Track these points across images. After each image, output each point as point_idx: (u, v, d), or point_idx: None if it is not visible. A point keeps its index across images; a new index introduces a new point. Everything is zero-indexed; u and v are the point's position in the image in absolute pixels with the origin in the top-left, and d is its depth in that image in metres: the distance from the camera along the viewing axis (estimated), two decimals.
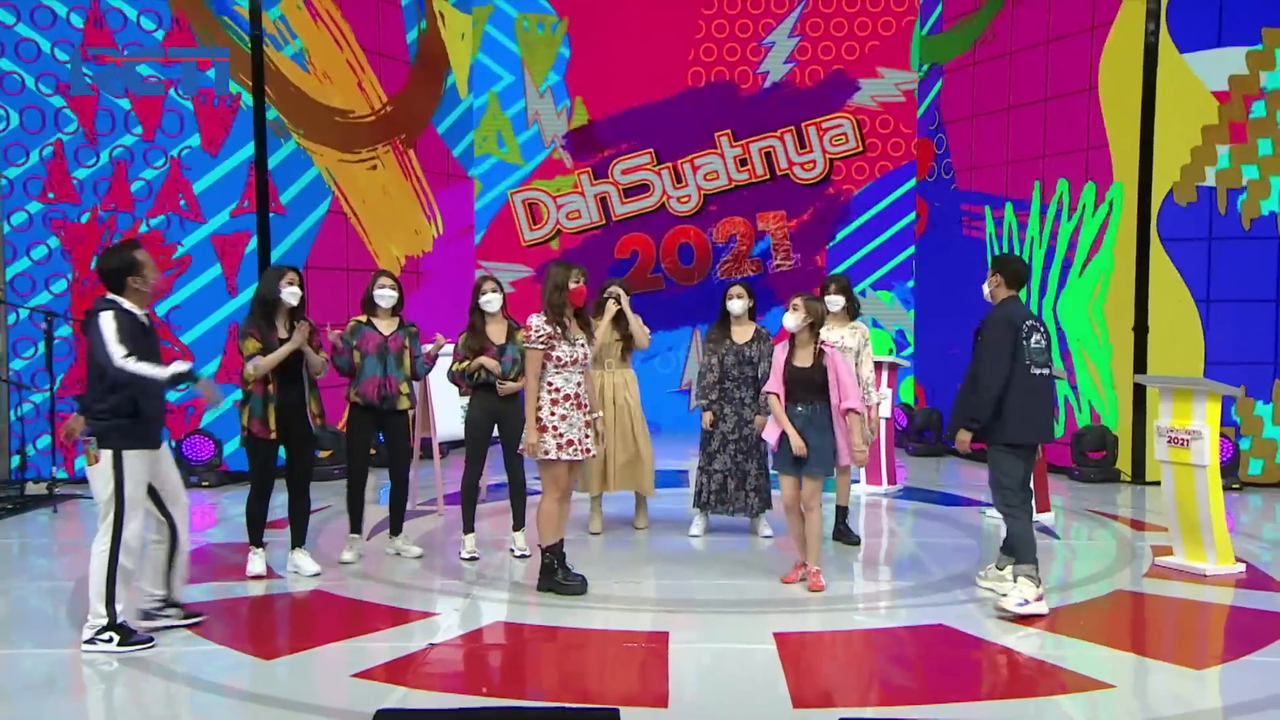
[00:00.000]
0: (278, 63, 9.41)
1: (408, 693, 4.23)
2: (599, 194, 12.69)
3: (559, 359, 5.50)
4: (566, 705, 4.07)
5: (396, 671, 4.48)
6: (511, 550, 6.49)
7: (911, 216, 12.30)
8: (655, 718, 3.95)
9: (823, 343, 5.80)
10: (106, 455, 4.69)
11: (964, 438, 5.49)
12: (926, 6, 11.98)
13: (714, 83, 12.53)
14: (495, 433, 6.40)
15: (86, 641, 4.71)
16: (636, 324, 6.87)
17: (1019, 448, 5.40)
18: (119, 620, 4.73)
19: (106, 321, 4.65)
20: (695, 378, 6.10)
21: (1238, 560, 6.16)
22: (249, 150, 9.21)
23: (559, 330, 5.51)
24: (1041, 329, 5.49)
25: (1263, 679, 4.42)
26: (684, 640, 4.87)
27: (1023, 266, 5.84)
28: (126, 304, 4.79)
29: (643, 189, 12.71)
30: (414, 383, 6.39)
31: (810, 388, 5.65)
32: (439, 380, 6.86)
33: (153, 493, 4.94)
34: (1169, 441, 6.17)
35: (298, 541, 6.03)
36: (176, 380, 4.74)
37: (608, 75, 12.48)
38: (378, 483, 7.07)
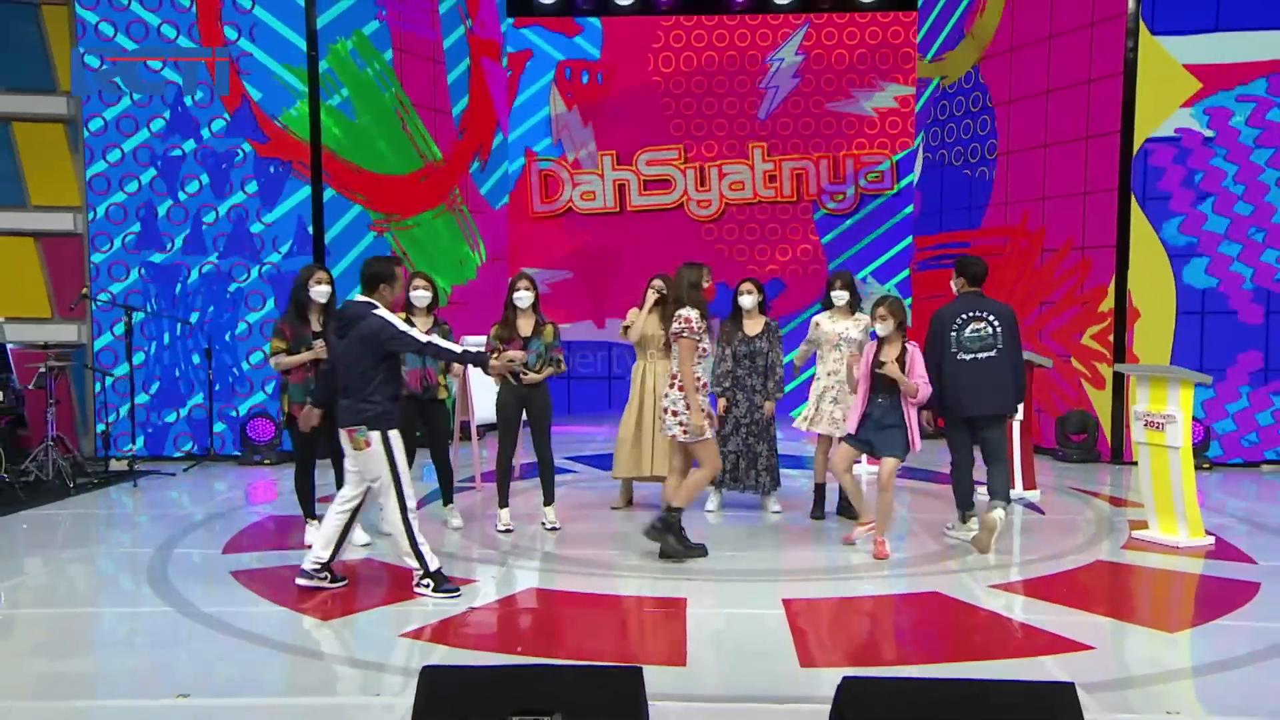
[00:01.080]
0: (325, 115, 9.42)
1: (449, 651, 4.27)
2: (618, 180, 12.15)
3: (703, 350, 5.68)
4: (594, 663, 4.09)
5: (440, 632, 4.53)
6: (543, 524, 6.52)
7: (909, 209, 12.16)
8: (674, 675, 3.97)
9: (908, 342, 5.87)
10: (376, 438, 4.92)
11: (926, 414, 6.11)
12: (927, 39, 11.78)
13: (743, 91, 12.25)
14: (524, 416, 6.43)
15: (415, 585, 5.04)
16: None
17: (952, 420, 6.10)
18: (432, 568, 5.03)
19: (386, 316, 4.97)
20: (710, 367, 6.03)
21: (1208, 533, 6.13)
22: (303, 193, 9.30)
23: (704, 325, 5.66)
24: (986, 318, 5.95)
25: (1229, 641, 4.42)
26: (700, 606, 4.89)
27: (981, 268, 6.17)
28: (381, 309, 5.02)
29: (664, 184, 12.22)
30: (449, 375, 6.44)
31: (889, 382, 5.71)
32: (476, 369, 6.87)
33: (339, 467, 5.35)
34: (1145, 425, 6.14)
35: (309, 514, 6.11)
36: (469, 357, 5.11)
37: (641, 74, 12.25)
38: (420, 464, 7.11)
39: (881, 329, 5.88)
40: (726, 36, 12.33)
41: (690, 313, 5.60)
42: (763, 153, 12.22)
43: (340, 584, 5.17)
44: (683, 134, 12.30)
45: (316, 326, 5.87)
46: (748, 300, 6.73)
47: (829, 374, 6.64)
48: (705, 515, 6.84)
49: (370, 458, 4.96)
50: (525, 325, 6.35)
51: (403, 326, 4.99)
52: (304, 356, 5.79)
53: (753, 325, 6.75)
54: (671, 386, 5.68)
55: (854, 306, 6.77)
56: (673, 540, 5.65)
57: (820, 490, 6.93)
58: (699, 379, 5.65)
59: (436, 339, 5.12)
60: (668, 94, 12.32)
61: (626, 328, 6.88)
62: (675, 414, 5.65)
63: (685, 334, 5.58)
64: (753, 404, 6.74)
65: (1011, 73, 10.13)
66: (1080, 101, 9.35)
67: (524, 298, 6.33)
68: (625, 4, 11.93)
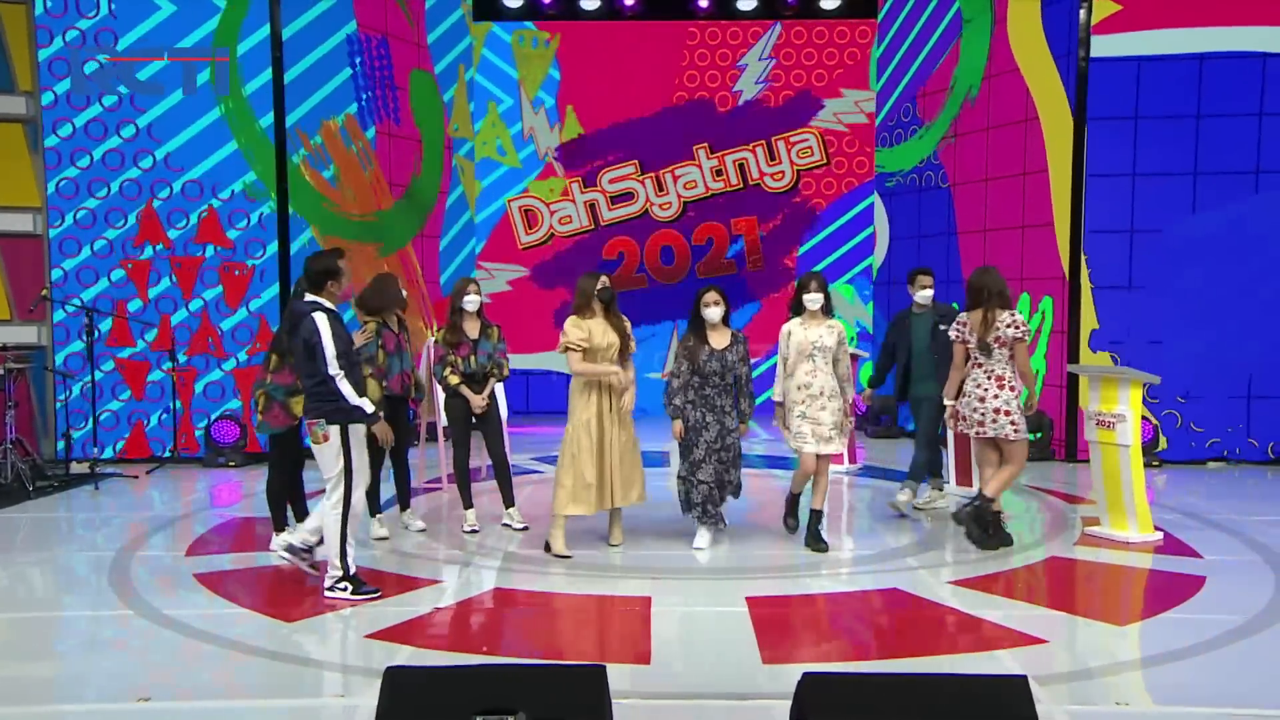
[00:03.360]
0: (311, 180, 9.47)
1: (415, 651, 4.24)
2: (588, 200, 12.68)
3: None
4: (557, 662, 4.09)
5: (405, 633, 4.49)
6: (507, 524, 6.50)
7: (870, 230, 12.32)
8: (639, 673, 3.98)
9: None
10: (335, 432, 4.85)
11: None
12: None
13: (694, 100, 12.50)
14: (473, 419, 6.42)
15: (327, 589, 4.97)
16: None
17: None
18: (351, 572, 4.98)
19: (323, 327, 4.83)
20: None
21: (1156, 529, 6.24)
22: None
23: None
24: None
25: (1178, 633, 4.49)
26: (664, 604, 4.89)
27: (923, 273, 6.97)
28: (327, 303, 4.95)
29: (628, 197, 12.71)
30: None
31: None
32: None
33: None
34: (1097, 424, 6.24)
35: (300, 516, 6.05)
36: (358, 413, 4.89)
37: (597, 93, 12.45)
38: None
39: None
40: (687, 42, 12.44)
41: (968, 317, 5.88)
42: (706, 151, 12.65)
43: (374, 593, 5.03)
44: (637, 151, 12.67)
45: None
46: (714, 313, 5.88)
47: (799, 388, 5.93)
48: (694, 554, 5.91)
49: (326, 452, 4.91)
50: (472, 328, 6.39)
51: (328, 348, 4.79)
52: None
53: (719, 338, 5.90)
54: (1003, 388, 5.80)
55: (828, 310, 6.06)
56: (976, 529, 5.89)
57: (794, 500, 6.37)
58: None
59: (340, 379, 4.81)
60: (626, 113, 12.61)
61: (572, 347, 5.78)
62: (1008, 414, 5.77)
63: (1026, 337, 5.81)
64: (724, 427, 5.87)
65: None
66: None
67: (472, 301, 6.37)
68: (591, 9, 11.92)
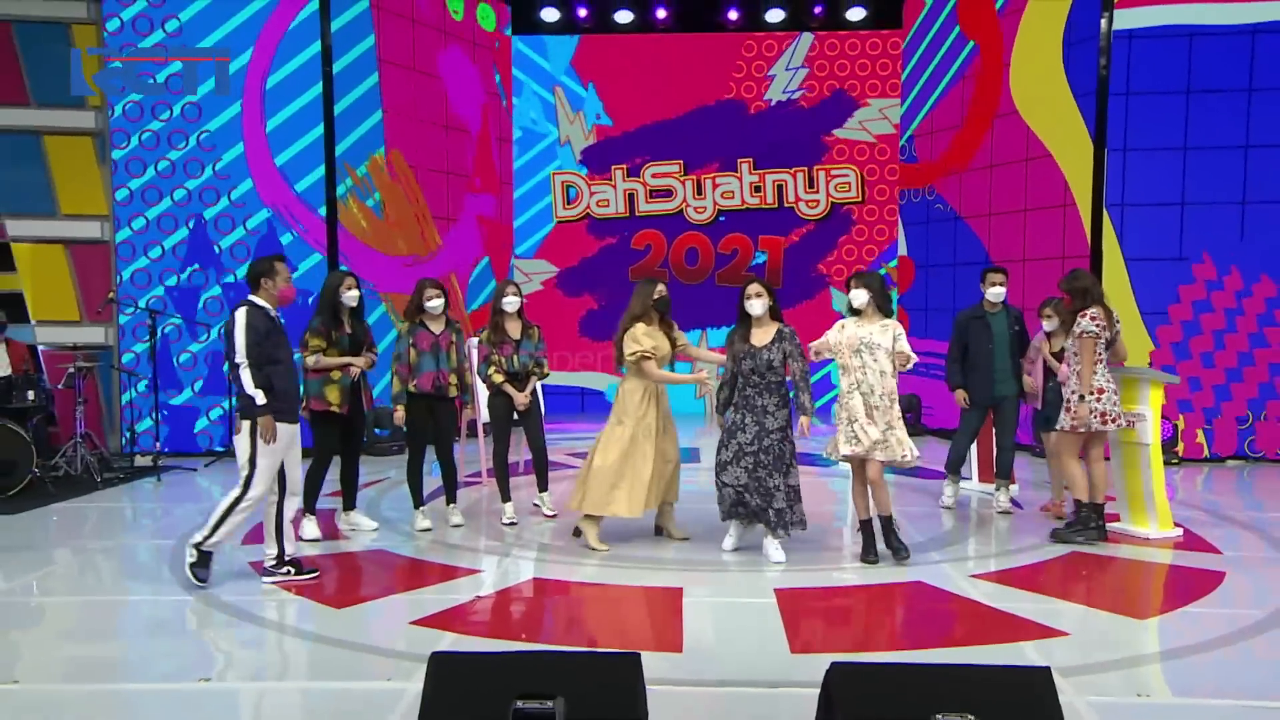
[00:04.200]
0: (358, 210, 9.62)
1: (457, 638, 4.27)
2: (628, 190, 12.63)
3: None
4: (594, 649, 4.09)
5: (448, 620, 4.52)
6: (536, 505, 6.59)
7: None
8: (671, 661, 3.97)
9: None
10: (246, 427, 4.89)
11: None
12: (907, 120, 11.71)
13: (726, 102, 12.44)
14: (515, 415, 6.50)
15: (265, 572, 5.08)
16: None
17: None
18: (287, 556, 5.07)
19: (239, 320, 4.89)
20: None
21: (1176, 525, 6.13)
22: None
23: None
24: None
25: (1196, 627, 4.42)
26: (696, 595, 4.89)
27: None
28: (260, 301, 4.99)
29: (667, 193, 12.63)
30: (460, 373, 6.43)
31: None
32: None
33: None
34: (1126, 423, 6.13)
35: (350, 505, 6.12)
36: (254, 405, 4.89)
37: (629, 97, 12.44)
38: (429, 460, 7.10)
39: (1049, 325, 6.51)
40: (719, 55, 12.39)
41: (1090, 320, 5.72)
42: (750, 166, 12.56)
43: (311, 575, 5.09)
44: (682, 151, 12.61)
45: (348, 328, 5.97)
46: (756, 306, 5.46)
47: (850, 388, 5.43)
48: (721, 556, 5.67)
49: (239, 442, 4.96)
50: (514, 329, 6.40)
51: (239, 338, 4.84)
52: (341, 361, 5.89)
53: (762, 335, 5.47)
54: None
55: (883, 310, 5.47)
56: (1094, 531, 5.86)
57: (868, 526, 5.59)
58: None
59: (244, 368, 4.85)
60: (668, 116, 12.57)
61: (647, 355, 5.64)
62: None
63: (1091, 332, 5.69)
64: (763, 428, 5.40)
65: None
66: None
67: (511, 303, 6.38)
68: (624, 22, 11.95)
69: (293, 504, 5.19)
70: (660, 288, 5.83)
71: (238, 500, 4.94)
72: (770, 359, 5.40)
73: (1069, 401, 5.83)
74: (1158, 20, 8.66)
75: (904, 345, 5.39)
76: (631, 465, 5.62)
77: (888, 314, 5.49)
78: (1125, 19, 8.66)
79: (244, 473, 4.93)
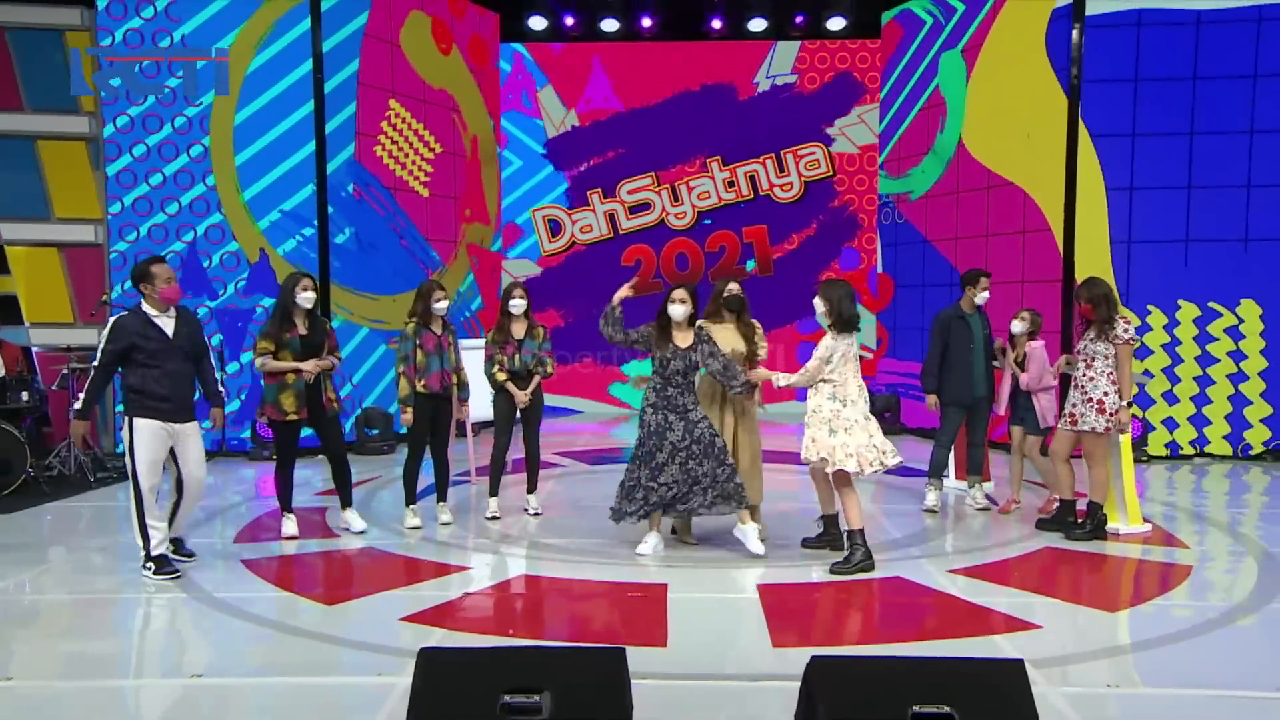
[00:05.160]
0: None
1: (446, 633, 4.26)
2: (607, 211, 12.67)
3: None
4: (580, 644, 4.09)
5: (437, 616, 4.51)
6: (525, 509, 6.57)
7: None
8: (656, 655, 3.97)
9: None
10: (126, 423, 5.03)
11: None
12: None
13: (711, 87, 12.44)
14: (518, 415, 6.48)
15: (143, 568, 5.10)
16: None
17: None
18: (153, 554, 5.06)
19: (108, 325, 5.04)
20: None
21: (1145, 520, 6.18)
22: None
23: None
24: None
25: (1165, 619, 4.47)
26: (680, 591, 4.89)
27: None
28: (145, 305, 5.03)
29: (645, 207, 12.68)
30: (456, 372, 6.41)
31: None
32: (474, 369, 6.81)
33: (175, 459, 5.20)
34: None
35: (346, 503, 6.09)
36: (79, 411, 5.19)
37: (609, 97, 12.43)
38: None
39: (1017, 327, 6.56)
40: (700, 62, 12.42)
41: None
42: (719, 164, 12.63)
43: (171, 575, 5.07)
44: (653, 162, 12.64)
45: (302, 330, 5.81)
46: (678, 311, 5.38)
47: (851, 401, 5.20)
48: (637, 557, 5.51)
49: (123, 441, 5.07)
50: (519, 329, 6.39)
51: (101, 340, 5.00)
52: (289, 366, 5.74)
53: (683, 337, 5.41)
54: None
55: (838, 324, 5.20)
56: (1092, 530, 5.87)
57: (832, 521, 5.69)
58: None
59: (96, 369, 5.04)
60: (640, 125, 12.58)
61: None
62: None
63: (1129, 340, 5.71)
64: (689, 422, 5.34)
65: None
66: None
67: (518, 305, 6.37)
68: (611, 31, 11.96)
69: (189, 504, 5.22)
70: (732, 286, 5.77)
71: (136, 498, 5.01)
72: (695, 360, 5.38)
73: (1099, 403, 5.73)
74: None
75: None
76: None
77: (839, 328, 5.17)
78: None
79: (129, 469, 5.01)
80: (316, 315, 5.93)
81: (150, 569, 5.04)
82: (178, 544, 5.38)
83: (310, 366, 5.77)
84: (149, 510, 5.02)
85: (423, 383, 6.06)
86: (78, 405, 5.15)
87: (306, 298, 5.80)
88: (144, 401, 5.00)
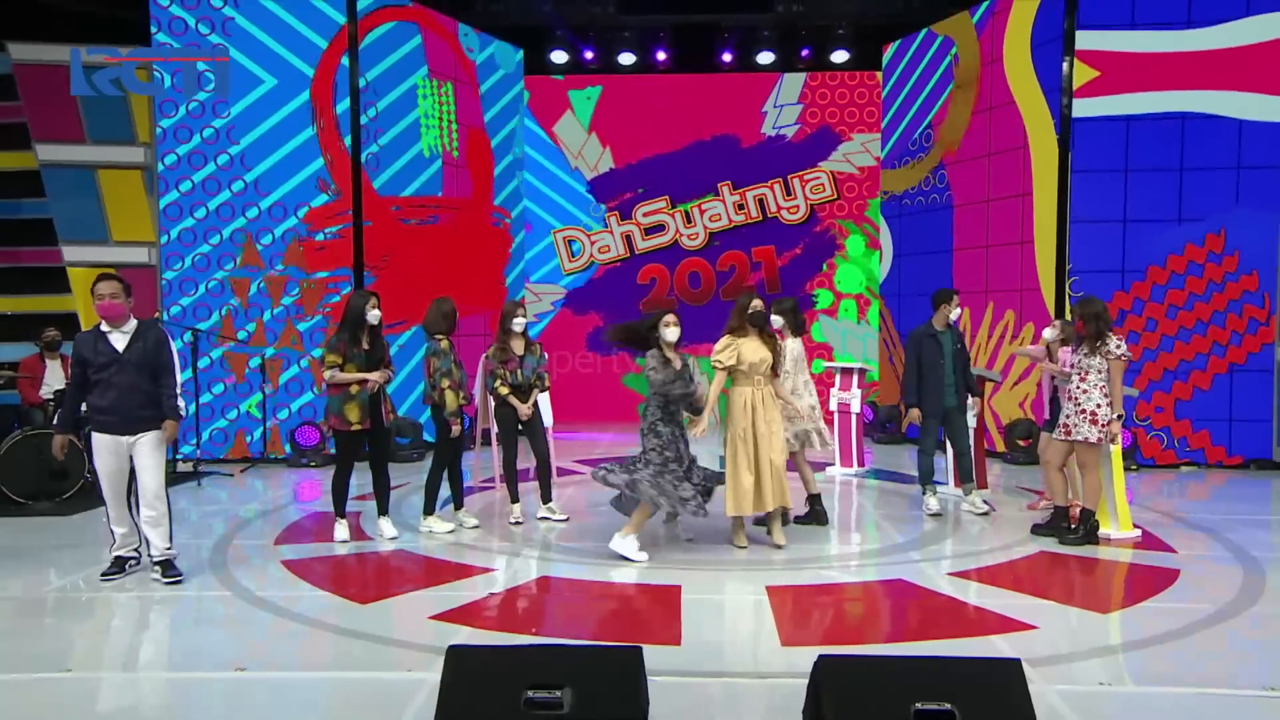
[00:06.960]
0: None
1: (472, 631, 4.26)
2: (624, 232, 12.74)
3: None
4: (598, 643, 4.08)
5: (464, 615, 4.51)
6: (547, 517, 6.55)
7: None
8: (671, 653, 3.96)
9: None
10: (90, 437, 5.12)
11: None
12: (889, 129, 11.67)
13: (719, 136, 12.56)
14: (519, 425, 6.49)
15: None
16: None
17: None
18: (112, 554, 5.20)
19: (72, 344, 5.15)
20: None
21: (1135, 526, 6.11)
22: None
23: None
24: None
25: (1155, 620, 4.41)
26: (693, 592, 4.87)
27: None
28: (102, 325, 5.05)
29: (660, 229, 12.73)
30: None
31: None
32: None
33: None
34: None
35: (383, 510, 6.10)
36: (57, 426, 5.26)
37: (632, 133, 12.53)
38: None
39: (1049, 333, 6.66)
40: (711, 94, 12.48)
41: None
42: (730, 188, 12.68)
43: (113, 576, 5.16)
44: (668, 186, 12.71)
45: (366, 344, 5.87)
46: (673, 333, 5.56)
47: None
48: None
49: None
50: (519, 346, 6.44)
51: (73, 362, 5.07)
52: (358, 377, 5.78)
53: (675, 359, 5.61)
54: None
55: (795, 329, 6.54)
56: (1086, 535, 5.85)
57: (817, 500, 6.35)
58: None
59: (68, 391, 5.10)
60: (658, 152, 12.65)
61: (718, 365, 5.64)
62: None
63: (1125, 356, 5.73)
64: (682, 429, 5.66)
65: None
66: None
67: (519, 323, 6.43)
68: (627, 64, 12.03)
69: (143, 512, 5.13)
70: (755, 302, 5.70)
71: (105, 506, 5.12)
72: (687, 376, 5.57)
73: (1091, 414, 5.72)
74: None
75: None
76: (733, 469, 5.56)
77: (797, 333, 6.45)
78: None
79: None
80: (378, 331, 5.99)
81: (115, 571, 5.16)
82: (165, 566, 5.13)
83: (377, 377, 5.83)
84: (113, 516, 5.12)
85: (463, 395, 6.11)
86: (55, 421, 5.16)
87: (375, 315, 5.88)
88: (94, 416, 5.00)
